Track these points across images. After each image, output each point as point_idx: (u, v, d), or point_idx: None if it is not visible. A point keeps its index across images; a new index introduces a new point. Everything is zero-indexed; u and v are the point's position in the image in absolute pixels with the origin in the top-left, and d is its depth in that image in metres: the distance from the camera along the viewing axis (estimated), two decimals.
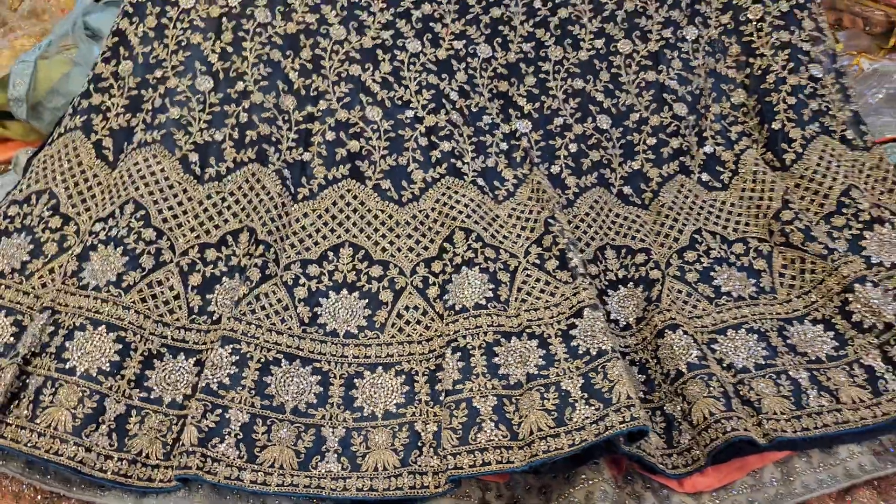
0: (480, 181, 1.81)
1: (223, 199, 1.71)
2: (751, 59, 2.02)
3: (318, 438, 1.41)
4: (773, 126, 1.95)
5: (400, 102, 1.87)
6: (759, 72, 2.00)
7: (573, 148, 1.92)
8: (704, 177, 1.92)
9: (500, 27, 1.99)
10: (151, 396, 1.44)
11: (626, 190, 1.89)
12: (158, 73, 1.81)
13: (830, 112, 1.93)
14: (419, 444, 1.40)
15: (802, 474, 1.46)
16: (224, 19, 1.84)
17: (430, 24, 1.95)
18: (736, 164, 1.92)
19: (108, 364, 1.43)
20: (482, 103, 1.93)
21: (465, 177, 1.80)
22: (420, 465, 1.37)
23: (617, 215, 1.84)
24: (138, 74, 1.81)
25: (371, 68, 1.89)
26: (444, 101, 1.89)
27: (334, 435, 1.42)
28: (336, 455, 1.39)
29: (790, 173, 1.89)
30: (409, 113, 1.86)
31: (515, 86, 1.97)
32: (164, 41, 1.83)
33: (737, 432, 1.38)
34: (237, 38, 1.84)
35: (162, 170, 1.70)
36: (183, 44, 1.82)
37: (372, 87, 1.87)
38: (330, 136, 1.81)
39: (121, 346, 1.46)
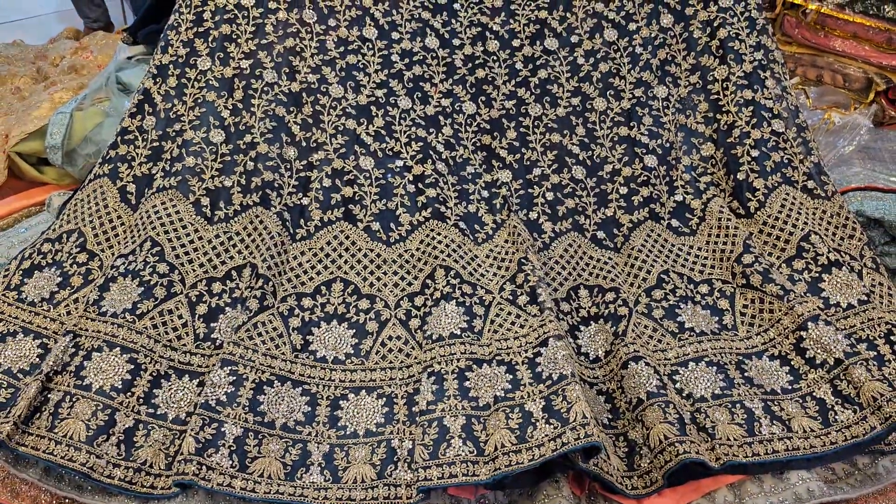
0: (462, 224, 1.98)
1: (230, 238, 1.90)
2: (718, 115, 2.18)
3: (304, 452, 1.55)
4: (738, 176, 2.09)
5: (391, 153, 2.07)
6: (726, 127, 2.15)
7: (550, 196, 2.09)
8: (674, 223, 2.07)
9: (485, 87, 2.19)
10: (157, 412, 1.59)
11: (600, 234, 2.04)
12: (177, 127, 2.03)
13: (792, 164, 2.07)
14: (395, 459, 1.54)
15: (754, 497, 1.56)
16: (236, 79, 2.07)
17: (420, 83, 2.15)
18: (703, 212, 2.07)
19: (120, 382, 1.59)
20: (466, 155, 2.12)
21: (448, 220, 1.97)
22: (394, 478, 1.50)
23: (591, 258, 1.99)
24: (160, 128, 2.04)
25: (365, 123, 2.10)
26: (430, 152, 2.08)
27: (319, 450, 1.56)
28: (320, 468, 1.53)
29: (754, 220, 2.03)
30: (399, 163, 2.06)
31: (498, 139, 2.16)
32: (184, 98, 2.05)
33: (688, 454, 1.50)
34: (247, 95, 2.06)
35: (177, 212, 1.90)
36: (199, 101, 2.05)
37: (366, 140, 2.07)
38: (326, 182, 2.01)
39: (132, 367, 1.63)
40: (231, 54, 2.08)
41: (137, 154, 2.02)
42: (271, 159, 2.01)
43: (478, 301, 1.79)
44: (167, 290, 1.78)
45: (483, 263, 1.90)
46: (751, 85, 2.15)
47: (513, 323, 1.74)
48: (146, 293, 1.75)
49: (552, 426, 1.49)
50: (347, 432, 1.60)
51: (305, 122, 2.07)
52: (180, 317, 1.75)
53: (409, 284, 1.87)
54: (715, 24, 2.21)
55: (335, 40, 2.13)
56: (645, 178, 2.12)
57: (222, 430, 1.53)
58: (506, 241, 1.95)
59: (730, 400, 1.65)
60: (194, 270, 1.84)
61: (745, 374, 1.73)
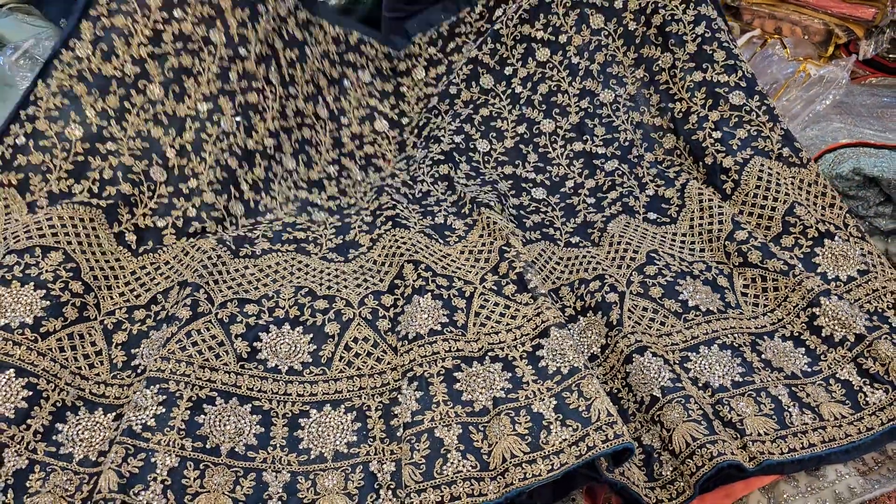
0: (429, 231, 1.67)
1: (157, 269, 1.53)
2: (670, 105, 1.95)
3: (260, 484, 1.18)
4: (706, 161, 1.85)
5: (346, 206, 1.82)
6: (681, 114, 1.93)
7: (513, 212, 1.82)
8: (651, 216, 1.80)
9: (431, 141, 1.98)
10: (60, 452, 1.20)
11: (574, 240, 1.75)
12: (112, 147, 1.65)
13: (762, 134, 1.85)
14: (375, 486, 1.19)
15: (790, 500, 1.30)
16: (188, 120, 1.74)
17: (373, 160, 1.95)
18: (681, 199, 1.81)
19: (13, 411, 1.19)
20: (426, 188, 1.86)
21: (412, 228, 1.67)
22: None
23: (568, 259, 1.68)
24: (88, 141, 1.65)
25: (317, 191, 1.86)
26: (388, 189, 1.83)
27: (278, 480, 1.19)
28: (281, 502, 1.16)
29: (732, 201, 1.78)
30: (354, 210, 1.81)
31: (454, 170, 1.90)
32: (123, 125, 1.68)
33: (724, 457, 1.20)
34: (198, 139, 1.72)
35: (97, 237, 1.50)
36: (143, 134, 1.69)
37: (320, 203, 1.82)
38: (277, 227, 1.69)
39: (30, 393, 1.22)
40: (188, 91, 1.76)
41: (55, 166, 1.61)
42: (217, 210, 1.66)
43: (457, 293, 1.46)
44: (79, 313, 1.38)
45: (457, 259, 1.57)
46: (699, 65, 1.93)
47: (502, 314, 1.42)
48: (54, 310, 1.34)
49: (571, 428, 1.18)
50: (312, 456, 1.23)
51: (256, 185, 1.78)
52: (94, 344, 1.36)
53: (375, 285, 1.53)
54: (648, 11, 1.99)
55: (294, 109, 1.89)
56: (610, 182, 1.88)
57: (152, 460, 1.13)
58: (480, 237, 1.64)
59: (753, 388, 1.38)
60: (112, 298, 1.45)
61: (762, 356, 1.46)
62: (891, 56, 2.48)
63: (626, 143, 1.93)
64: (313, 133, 1.91)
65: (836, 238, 1.66)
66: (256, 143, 1.81)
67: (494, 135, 1.97)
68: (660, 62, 1.99)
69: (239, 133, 1.78)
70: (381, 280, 1.53)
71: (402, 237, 1.61)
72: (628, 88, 2.00)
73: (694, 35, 1.95)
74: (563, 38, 2.00)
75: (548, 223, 1.81)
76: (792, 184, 1.77)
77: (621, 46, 2.01)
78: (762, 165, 1.79)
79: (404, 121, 2.04)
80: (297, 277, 1.53)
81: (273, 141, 1.84)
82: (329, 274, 1.55)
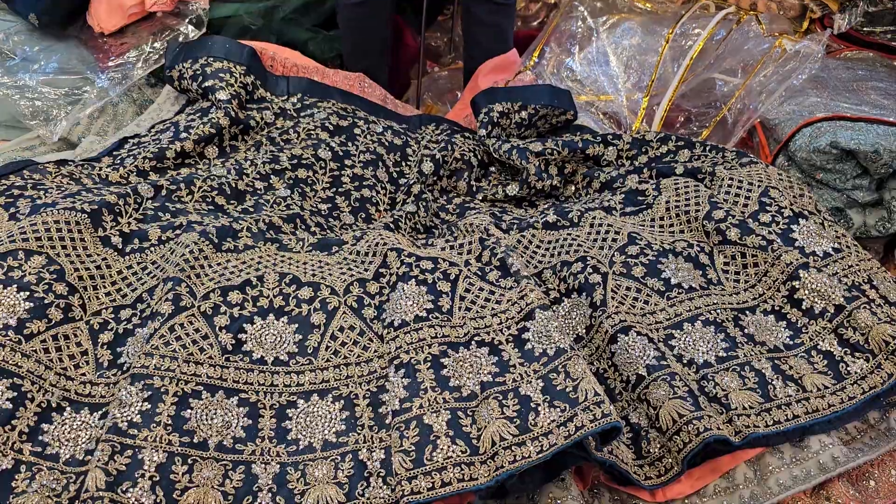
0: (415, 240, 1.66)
1: (144, 268, 1.47)
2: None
3: (249, 476, 1.14)
4: (676, 172, 1.82)
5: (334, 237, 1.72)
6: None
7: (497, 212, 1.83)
8: (628, 209, 1.74)
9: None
10: (46, 452, 1.15)
11: (551, 219, 1.71)
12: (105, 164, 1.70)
13: (725, 158, 1.84)
14: (365, 474, 1.16)
15: (776, 472, 1.29)
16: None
17: (367, 206, 1.87)
18: (657, 189, 1.75)
19: None
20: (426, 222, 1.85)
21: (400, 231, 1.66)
22: (368, 498, 1.13)
23: (549, 242, 1.64)
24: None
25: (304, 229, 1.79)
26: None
27: (267, 472, 1.16)
28: (271, 494, 1.13)
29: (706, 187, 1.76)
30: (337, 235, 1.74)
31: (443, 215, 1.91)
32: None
33: (710, 432, 1.19)
34: (189, 174, 1.74)
35: (83, 240, 1.44)
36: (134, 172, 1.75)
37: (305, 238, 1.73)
38: (261, 226, 1.62)
39: (15, 394, 1.18)
40: (246, 172, 1.81)
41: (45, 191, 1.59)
42: (202, 225, 1.57)
43: (441, 276, 1.42)
44: (64, 314, 1.32)
45: (442, 252, 1.54)
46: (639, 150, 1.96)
47: (487, 299, 1.39)
48: (38, 312, 1.29)
49: (558, 409, 1.16)
50: (301, 447, 1.20)
51: (245, 212, 1.73)
52: (79, 344, 1.31)
53: (360, 273, 1.48)
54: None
55: (289, 156, 1.89)
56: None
57: (139, 457, 1.10)
58: (460, 232, 1.63)
59: (737, 362, 1.37)
60: (99, 298, 1.39)
61: (745, 330, 1.44)
62: (865, 29, 2.46)
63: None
64: (310, 174, 1.85)
65: (810, 219, 1.64)
66: (247, 185, 1.78)
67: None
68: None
69: (230, 176, 1.76)
70: (367, 270, 1.50)
71: (387, 234, 1.57)
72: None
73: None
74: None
75: (526, 223, 1.79)
76: (765, 172, 1.76)
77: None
78: (729, 169, 1.77)
79: (401, 181, 1.96)
80: (281, 267, 1.49)
81: (264, 183, 1.79)
82: (313, 265, 1.52)
